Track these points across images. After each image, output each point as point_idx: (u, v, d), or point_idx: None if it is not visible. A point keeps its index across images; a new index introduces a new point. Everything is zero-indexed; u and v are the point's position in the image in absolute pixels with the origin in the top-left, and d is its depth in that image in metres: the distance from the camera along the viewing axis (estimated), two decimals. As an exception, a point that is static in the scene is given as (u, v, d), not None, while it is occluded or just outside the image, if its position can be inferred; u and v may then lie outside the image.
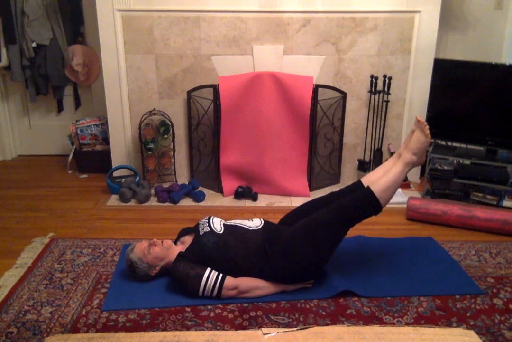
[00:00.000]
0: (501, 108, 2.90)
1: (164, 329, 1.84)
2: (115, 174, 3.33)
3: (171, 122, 3.25)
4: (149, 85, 3.24)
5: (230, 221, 2.23)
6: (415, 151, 2.14)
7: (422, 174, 3.41)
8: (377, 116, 3.29)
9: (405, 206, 2.89)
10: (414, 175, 3.44)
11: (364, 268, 2.28)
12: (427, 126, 2.12)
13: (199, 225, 2.19)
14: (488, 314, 1.95)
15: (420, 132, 2.13)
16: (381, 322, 1.90)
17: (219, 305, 1.98)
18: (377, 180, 2.12)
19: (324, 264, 2.09)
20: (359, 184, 2.23)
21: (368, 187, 2.07)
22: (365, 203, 2.05)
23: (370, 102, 3.28)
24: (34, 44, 3.48)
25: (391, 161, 2.23)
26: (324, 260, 2.07)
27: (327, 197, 2.28)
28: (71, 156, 3.67)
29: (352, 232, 2.60)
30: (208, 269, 2.00)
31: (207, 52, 3.16)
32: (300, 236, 2.03)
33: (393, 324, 1.89)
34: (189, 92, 3.19)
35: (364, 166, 3.36)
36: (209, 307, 1.97)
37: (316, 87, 3.06)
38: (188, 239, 2.19)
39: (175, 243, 2.25)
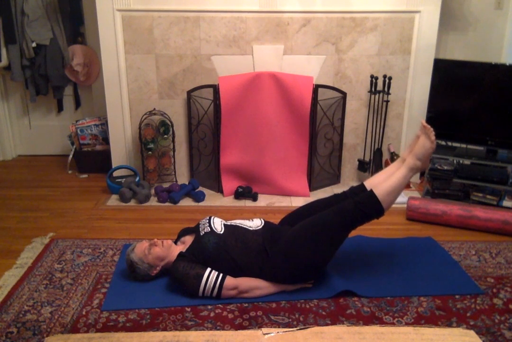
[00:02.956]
0: (501, 108, 2.90)
1: (164, 329, 1.84)
2: (115, 174, 3.33)
3: (171, 122, 3.25)
4: (149, 85, 3.24)
5: (230, 221, 2.24)
6: (419, 156, 2.14)
7: (422, 174, 3.41)
8: (377, 116, 3.29)
9: (405, 206, 2.89)
10: (414, 175, 3.44)
11: (364, 268, 2.29)
12: (433, 132, 2.12)
13: (200, 225, 2.20)
14: (488, 314, 1.95)
15: (426, 138, 2.13)
16: (381, 322, 1.90)
17: (219, 305, 1.98)
18: (380, 183, 2.11)
19: (324, 265, 2.09)
20: (361, 186, 2.22)
21: (371, 190, 2.07)
22: (368, 206, 2.04)
23: (370, 102, 3.28)
24: (34, 44, 3.48)
25: (394, 166, 2.23)
26: (325, 262, 2.07)
27: (329, 199, 2.28)
28: (71, 156, 3.67)
29: (352, 232, 2.58)
30: (208, 269, 2.00)
31: (207, 52, 3.17)
32: (301, 237, 2.03)
33: (393, 324, 1.89)
34: (189, 92, 3.19)
35: (364, 167, 3.36)
36: (209, 307, 1.97)
37: (316, 87, 3.06)
38: (188, 239, 2.19)
39: (175, 243, 2.25)
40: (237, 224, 2.19)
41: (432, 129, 2.12)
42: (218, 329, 1.84)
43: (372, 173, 3.34)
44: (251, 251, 2.06)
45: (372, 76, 3.19)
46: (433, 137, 2.12)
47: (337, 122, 3.27)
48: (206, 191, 3.24)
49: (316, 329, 1.81)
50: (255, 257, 2.05)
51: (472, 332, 1.80)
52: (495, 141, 2.95)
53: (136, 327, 1.85)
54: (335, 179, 3.44)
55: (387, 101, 3.19)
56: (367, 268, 2.28)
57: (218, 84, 3.04)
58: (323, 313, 1.95)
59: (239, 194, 3.15)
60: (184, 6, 3.06)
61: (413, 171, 2.15)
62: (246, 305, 1.99)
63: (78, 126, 3.63)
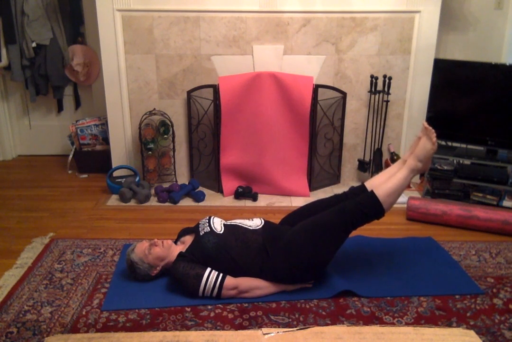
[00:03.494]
0: (501, 108, 2.90)
1: (164, 329, 1.84)
2: (115, 174, 3.33)
3: (171, 122, 3.25)
4: (149, 85, 3.24)
5: (230, 221, 2.24)
6: (420, 158, 2.14)
7: (422, 174, 3.41)
8: (377, 116, 3.29)
9: (405, 206, 2.89)
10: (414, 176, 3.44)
11: (364, 268, 2.29)
12: (435, 134, 2.13)
13: (199, 225, 2.20)
14: (488, 314, 1.95)
15: (427, 140, 2.14)
16: (381, 322, 1.90)
17: (219, 305, 1.98)
18: (381, 184, 2.12)
19: (324, 265, 2.09)
20: (362, 187, 2.22)
21: (372, 191, 2.07)
22: (369, 206, 2.04)
23: (370, 102, 3.28)
24: (34, 44, 3.49)
25: (395, 167, 2.23)
26: (325, 262, 2.07)
27: (329, 199, 2.28)
28: (71, 156, 3.67)
29: (352, 232, 2.59)
30: (208, 269, 2.00)
31: (207, 52, 3.17)
32: (302, 237, 2.03)
33: (393, 324, 1.89)
34: (189, 92, 3.19)
35: (364, 167, 3.36)
36: (209, 307, 1.97)
37: (316, 87, 3.06)
38: (188, 239, 2.19)
39: (175, 243, 2.25)
40: (237, 224, 2.19)
41: (433, 130, 2.13)
42: (218, 329, 1.84)
43: (372, 173, 3.34)
44: (251, 250, 2.06)
45: (372, 76, 3.19)
46: (435, 139, 2.13)
47: (337, 122, 3.26)
48: (206, 191, 3.24)
49: (316, 329, 1.81)
50: (255, 257, 2.05)
51: (472, 332, 1.80)
52: (495, 141, 2.95)
53: (136, 327, 1.85)
54: (335, 179, 3.44)
55: (387, 101, 3.19)
56: (367, 268, 2.28)
57: (218, 84, 3.04)
58: (323, 313, 1.95)
59: (239, 194, 3.15)
60: (184, 6, 3.06)
61: (414, 172, 2.16)
62: (246, 305, 1.99)
63: (78, 126, 3.63)
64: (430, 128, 2.13)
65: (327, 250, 2.04)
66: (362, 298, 2.04)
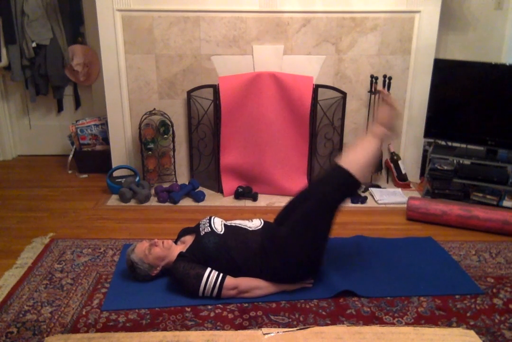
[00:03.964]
0: (501, 108, 2.90)
1: (164, 329, 1.84)
2: (115, 174, 3.33)
3: (171, 122, 3.25)
4: (149, 85, 3.24)
5: (230, 221, 2.24)
6: (383, 123, 2.14)
7: (422, 174, 3.41)
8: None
9: (405, 206, 2.89)
10: (414, 175, 3.44)
11: (364, 268, 2.28)
12: (390, 96, 2.14)
13: (200, 225, 2.20)
14: (488, 314, 1.95)
15: (385, 104, 2.15)
16: (381, 322, 1.90)
17: (219, 305, 1.98)
18: (353, 159, 2.08)
19: (321, 256, 2.09)
20: (335, 166, 2.13)
21: (346, 170, 2.03)
22: (346, 185, 2.05)
23: (370, 102, 3.28)
24: (34, 44, 3.49)
25: (364, 138, 2.21)
26: (321, 252, 2.07)
27: (309, 188, 2.25)
28: (71, 156, 3.67)
29: (352, 232, 2.60)
30: (208, 269, 2.00)
31: (207, 52, 3.17)
32: (294, 232, 2.03)
33: (393, 324, 1.89)
34: (189, 92, 3.19)
35: (364, 166, 3.35)
36: (209, 307, 1.97)
37: (316, 87, 3.06)
38: (188, 239, 2.20)
39: (176, 243, 2.26)
40: (237, 224, 2.20)
41: (388, 93, 2.14)
42: (218, 329, 1.84)
43: (372, 173, 3.34)
44: (251, 251, 2.06)
45: (372, 76, 3.19)
46: (391, 101, 2.13)
47: (337, 122, 3.26)
48: (206, 191, 3.24)
49: (316, 329, 1.81)
50: (255, 257, 2.05)
51: (472, 332, 1.80)
52: (495, 141, 2.95)
53: (136, 327, 1.85)
54: (335, 179, 3.43)
55: (387, 101, 3.19)
56: (367, 268, 2.28)
57: (218, 84, 3.04)
58: (323, 313, 1.95)
59: (239, 194, 3.15)
60: (184, 6, 3.06)
61: (382, 139, 2.15)
62: (246, 305, 1.99)
63: (78, 126, 3.63)
64: (385, 91, 2.13)
65: (320, 238, 2.04)
66: (362, 298, 2.04)
